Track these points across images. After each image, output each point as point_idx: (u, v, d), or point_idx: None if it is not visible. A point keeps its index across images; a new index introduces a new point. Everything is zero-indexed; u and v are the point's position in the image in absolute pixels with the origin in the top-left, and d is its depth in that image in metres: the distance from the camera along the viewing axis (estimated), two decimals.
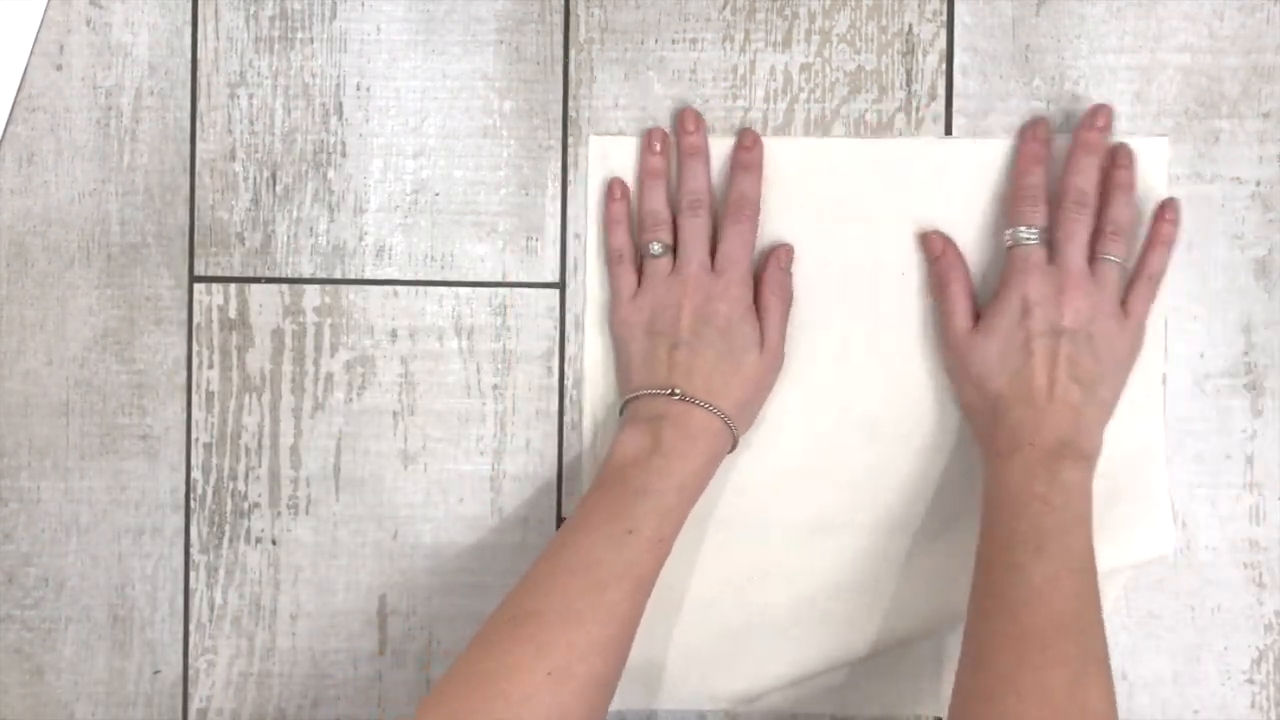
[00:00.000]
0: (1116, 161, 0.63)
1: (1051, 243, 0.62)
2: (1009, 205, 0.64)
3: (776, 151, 0.66)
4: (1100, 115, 0.64)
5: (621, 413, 0.64)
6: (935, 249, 0.65)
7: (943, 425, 0.66)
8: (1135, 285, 0.63)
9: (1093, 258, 0.62)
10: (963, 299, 0.64)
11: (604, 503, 0.59)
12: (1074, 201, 0.62)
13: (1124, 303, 0.62)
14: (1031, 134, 0.64)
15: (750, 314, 0.63)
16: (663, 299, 0.63)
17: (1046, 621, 0.54)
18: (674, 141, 0.66)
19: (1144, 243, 0.64)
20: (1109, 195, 0.63)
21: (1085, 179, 0.62)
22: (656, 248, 0.64)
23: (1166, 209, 0.64)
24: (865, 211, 0.66)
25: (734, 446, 0.63)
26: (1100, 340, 0.61)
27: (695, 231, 0.64)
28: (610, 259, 0.66)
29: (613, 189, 0.66)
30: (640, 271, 0.65)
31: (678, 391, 0.61)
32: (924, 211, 0.65)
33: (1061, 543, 0.56)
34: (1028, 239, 0.62)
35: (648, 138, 0.66)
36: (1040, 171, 0.63)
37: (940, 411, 0.66)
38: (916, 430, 0.66)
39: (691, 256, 0.63)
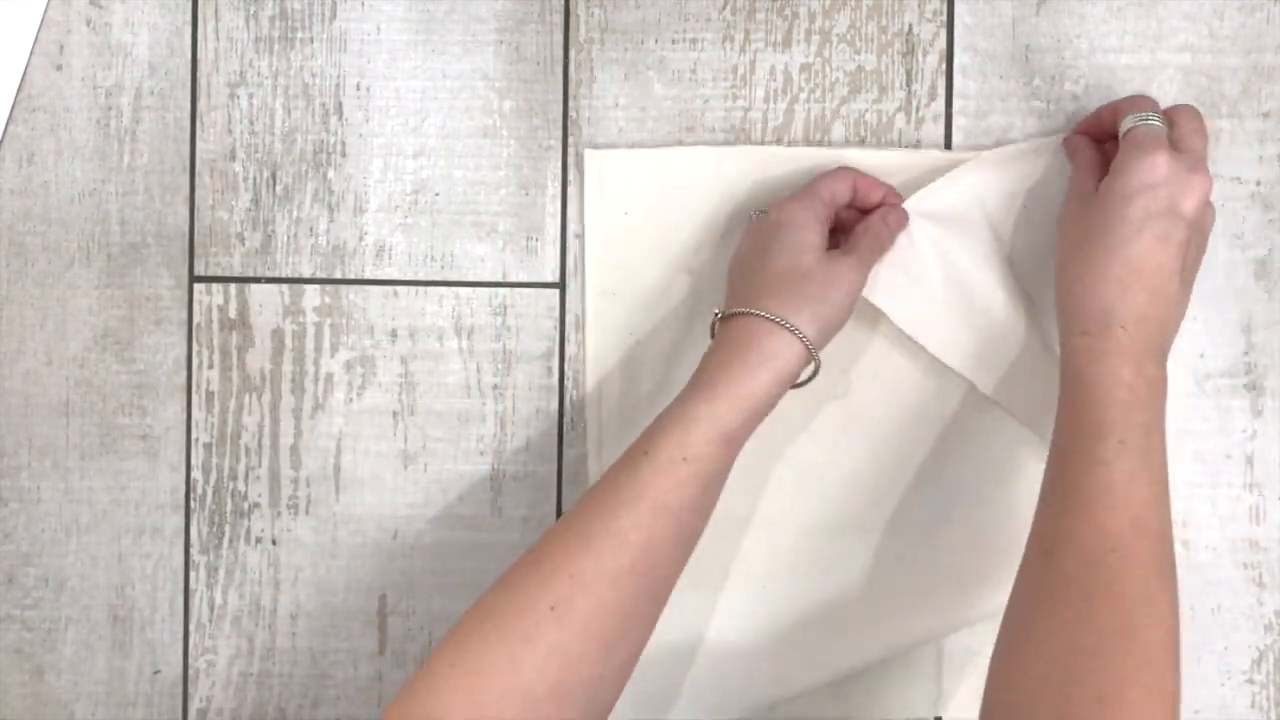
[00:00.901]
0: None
1: (1171, 133, 0.59)
2: (1113, 107, 0.62)
3: (777, 157, 0.66)
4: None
5: None
6: (1071, 141, 0.63)
7: (954, 425, 0.65)
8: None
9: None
10: (1085, 170, 0.61)
11: (654, 432, 0.55)
12: (1184, 113, 0.61)
13: None
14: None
15: (813, 225, 0.59)
16: (747, 243, 0.61)
17: (1123, 520, 0.52)
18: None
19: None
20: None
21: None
22: (756, 213, 0.63)
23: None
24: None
25: (813, 360, 0.57)
26: (1203, 237, 0.59)
27: (820, 197, 0.61)
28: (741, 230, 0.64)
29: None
30: None
31: (718, 310, 0.58)
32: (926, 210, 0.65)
33: (1145, 440, 0.53)
34: (1151, 119, 0.59)
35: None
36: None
37: (951, 411, 0.65)
38: (927, 430, 0.66)
39: (797, 200, 0.61)
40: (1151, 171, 0.56)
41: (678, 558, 0.55)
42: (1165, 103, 0.66)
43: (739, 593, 0.66)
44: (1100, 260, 0.56)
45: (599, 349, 0.67)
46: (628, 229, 0.66)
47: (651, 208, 0.66)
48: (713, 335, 0.59)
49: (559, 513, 0.68)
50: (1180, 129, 0.60)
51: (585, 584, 0.51)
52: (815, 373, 0.58)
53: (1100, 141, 0.63)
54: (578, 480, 0.67)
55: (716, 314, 0.58)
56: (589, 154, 0.66)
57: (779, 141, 0.67)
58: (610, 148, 0.67)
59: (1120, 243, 0.56)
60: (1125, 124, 0.60)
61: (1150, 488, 0.53)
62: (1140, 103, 0.61)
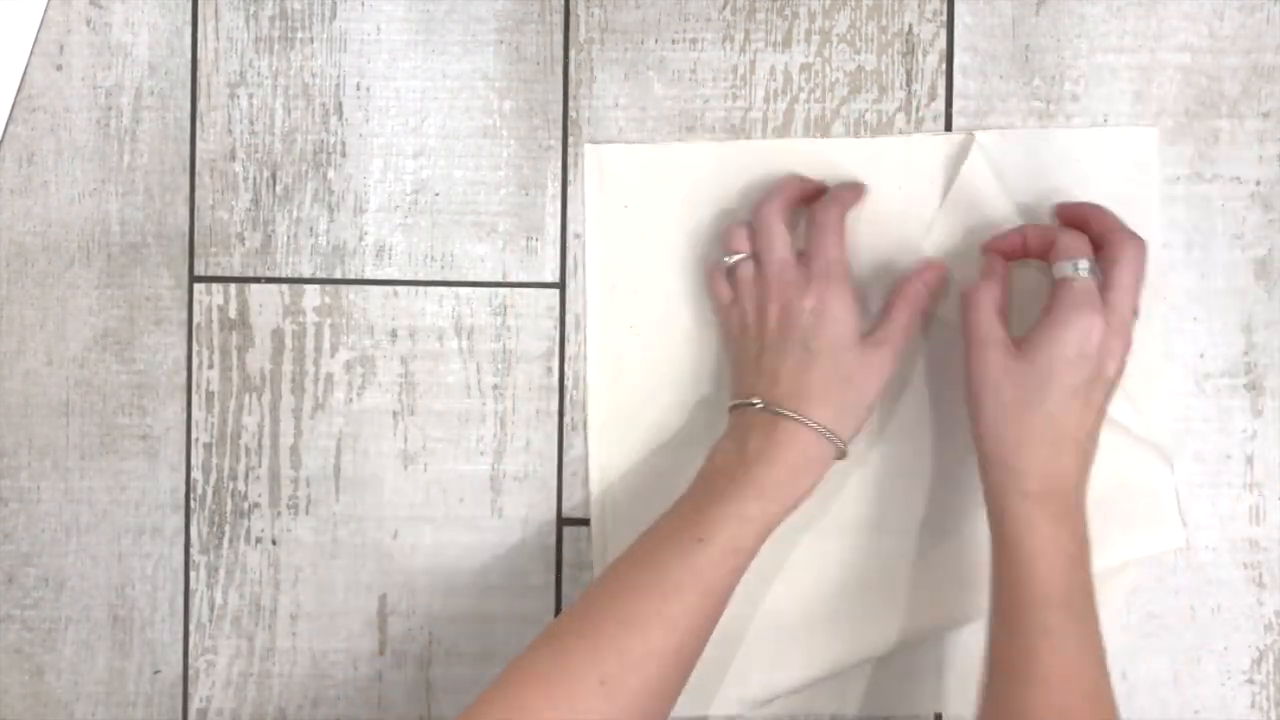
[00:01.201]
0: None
1: (1103, 283, 0.58)
2: (1054, 247, 0.59)
3: (778, 151, 0.66)
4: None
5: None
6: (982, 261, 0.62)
7: (951, 424, 0.65)
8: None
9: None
10: (996, 310, 0.59)
11: (683, 510, 0.58)
12: (1120, 245, 0.58)
13: None
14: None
15: (847, 309, 0.59)
16: (750, 303, 0.61)
17: (1076, 697, 0.53)
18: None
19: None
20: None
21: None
22: (732, 257, 0.62)
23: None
24: (869, 209, 0.66)
25: (843, 454, 0.59)
26: (1116, 388, 0.59)
27: (768, 219, 0.61)
28: (705, 273, 0.65)
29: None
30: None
31: (759, 401, 0.58)
32: (924, 208, 0.65)
33: (1085, 602, 0.55)
34: (1084, 271, 0.57)
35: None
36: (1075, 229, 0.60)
37: (948, 410, 0.65)
38: (924, 429, 0.66)
39: (771, 252, 0.60)
40: (1088, 339, 0.56)
41: (711, 632, 0.57)
42: (1165, 102, 0.66)
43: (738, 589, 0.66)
44: (1040, 425, 0.56)
45: (600, 343, 0.67)
46: (628, 223, 0.66)
47: (652, 202, 0.66)
48: (738, 412, 0.60)
49: (559, 512, 0.68)
50: (1113, 276, 0.58)
51: (635, 662, 0.53)
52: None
53: (1010, 257, 0.62)
54: (577, 480, 0.67)
55: (756, 404, 0.58)
56: (589, 148, 0.66)
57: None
58: (610, 143, 0.67)
59: (1056, 409, 0.56)
60: (1061, 270, 0.58)
61: (1095, 653, 0.54)
62: (1074, 246, 0.58)
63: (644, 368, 0.67)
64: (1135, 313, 0.58)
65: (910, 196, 0.65)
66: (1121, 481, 0.64)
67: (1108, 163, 0.65)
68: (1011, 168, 0.65)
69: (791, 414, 0.57)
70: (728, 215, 0.66)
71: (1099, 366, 0.57)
